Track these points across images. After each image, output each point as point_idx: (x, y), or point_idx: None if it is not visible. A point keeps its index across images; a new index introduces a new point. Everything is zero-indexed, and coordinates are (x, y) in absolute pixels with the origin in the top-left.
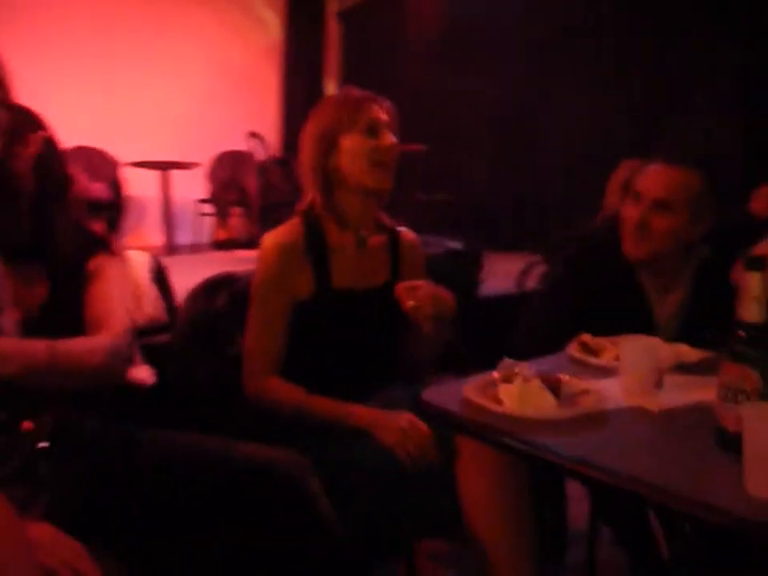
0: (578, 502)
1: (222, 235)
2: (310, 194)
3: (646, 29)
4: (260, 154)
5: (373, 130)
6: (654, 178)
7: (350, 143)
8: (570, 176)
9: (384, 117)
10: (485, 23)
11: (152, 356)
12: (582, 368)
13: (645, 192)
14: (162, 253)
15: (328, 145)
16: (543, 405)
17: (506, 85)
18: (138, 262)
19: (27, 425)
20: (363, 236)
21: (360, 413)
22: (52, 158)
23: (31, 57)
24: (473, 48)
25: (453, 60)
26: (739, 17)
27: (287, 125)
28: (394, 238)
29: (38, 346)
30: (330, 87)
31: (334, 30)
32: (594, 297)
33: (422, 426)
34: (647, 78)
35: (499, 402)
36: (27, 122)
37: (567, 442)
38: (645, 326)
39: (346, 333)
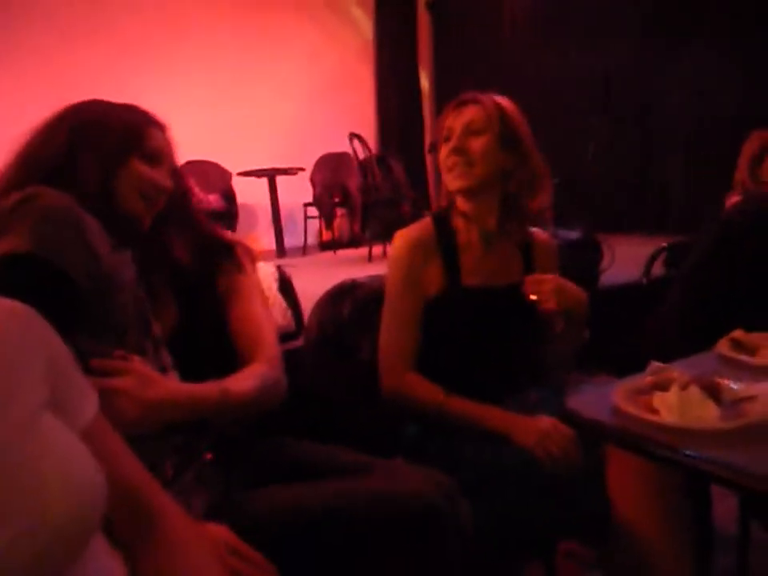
0: (722, 498)
1: (328, 236)
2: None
3: None
4: (360, 154)
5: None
6: None
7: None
8: (688, 151)
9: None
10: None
11: (284, 363)
12: (737, 369)
13: None
14: (273, 257)
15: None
16: (705, 415)
17: (612, 61)
18: (266, 272)
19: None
20: (492, 235)
21: (499, 415)
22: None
23: (146, 76)
24: (573, 24)
25: (552, 38)
26: None
27: (383, 123)
28: (527, 238)
29: (211, 391)
30: (425, 82)
31: (423, 23)
32: (755, 281)
33: (565, 428)
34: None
35: (654, 411)
36: None
37: (735, 455)
38: None
39: (474, 331)
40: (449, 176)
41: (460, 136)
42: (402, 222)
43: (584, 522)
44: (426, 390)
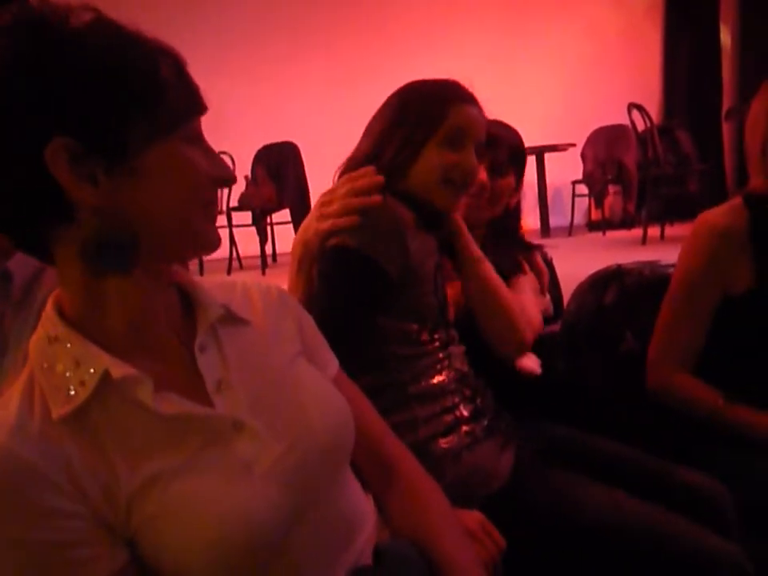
0: None
1: (598, 216)
2: (756, 178)
3: None
4: (640, 126)
5: None
6: None
7: None
8: None
9: None
10: None
11: (540, 347)
12: None
13: None
14: (538, 236)
15: None
16: None
17: None
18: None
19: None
20: None
21: None
22: None
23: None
24: None
25: None
26: None
27: (669, 89)
28: None
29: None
30: (726, 38)
31: None
32: None
33: None
34: None
35: None
36: None
37: None
38: None
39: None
40: None
41: None
42: (688, 201)
43: None
44: (702, 392)
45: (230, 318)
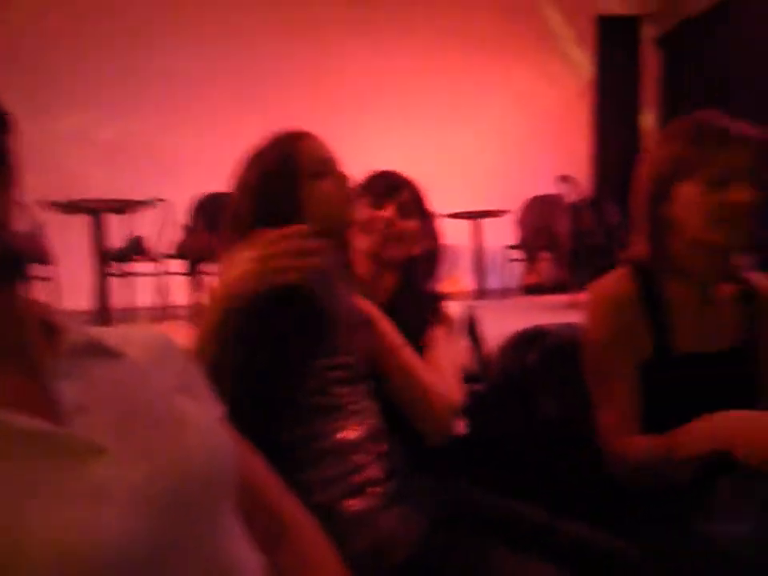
0: None
1: (531, 280)
2: (640, 242)
3: None
4: (570, 197)
5: (723, 180)
6: None
7: (687, 193)
8: None
9: (745, 161)
10: None
11: (464, 406)
12: None
13: None
14: (473, 297)
15: (662, 189)
16: None
17: None
18: (453, 312)
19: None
20: (708, 291)
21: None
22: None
23: (355, 121)
24: None
25: None
26: None
27: (598, 165)
28: (747, 289)
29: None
30: (649, 120)
31: (651, 59)
32: None
33: None
34: None
35: None
36: None
37: None
38: None
39: (689, 405)
40: (722, 229)
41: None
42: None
43: None
44: (652, 442)
45: (99, 349)
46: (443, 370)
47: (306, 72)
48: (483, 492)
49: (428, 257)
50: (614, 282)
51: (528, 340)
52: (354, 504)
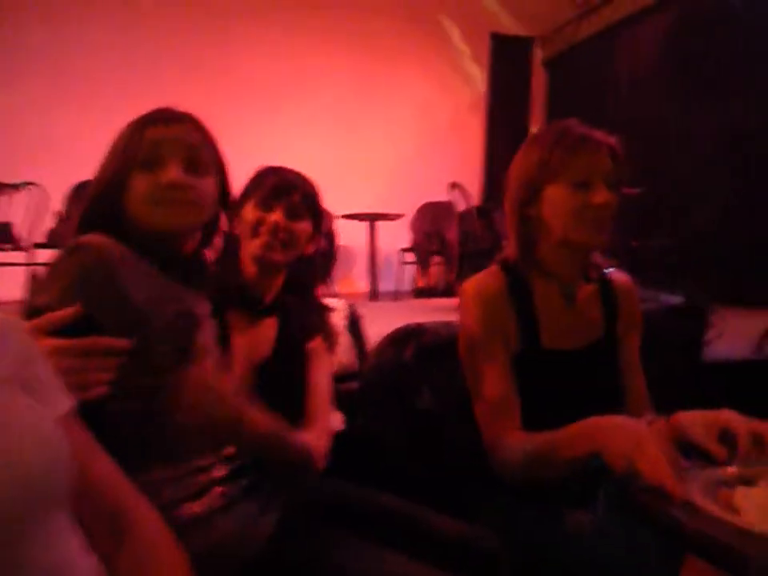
0: None
1: (423, 283)
2: (509, 247)
3: None
4: (461, 205)
5: (585, 182)
6: None
7: (555, 194)
8: None
9: (603, 165)
10: (700, 56)
11: (343, 403)
12: None
13: None
14: (366, 299)
15: (531, 192)
16: None
17: (742, 118)
18: (336, 309)
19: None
20: (571, 289)
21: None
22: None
23: (259, 115)
24: (689, 83)
25: (669, 97)
26: None
27: (489, 174)
28: (606, 285)
29: (232, 410)
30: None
31: (539, 79)
32: None
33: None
34: None
35: (735, 509)
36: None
37: None
38: None
39: (555, 397)
40: (586, 229)
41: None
42: None
43: None
44: (528, 437)
45: None
46: (319, 397)
47: (206, 62)
48: (350, 486)
49: (319, 258)
50: (485, 278)
51: (405, 337)
52: (197, 505)
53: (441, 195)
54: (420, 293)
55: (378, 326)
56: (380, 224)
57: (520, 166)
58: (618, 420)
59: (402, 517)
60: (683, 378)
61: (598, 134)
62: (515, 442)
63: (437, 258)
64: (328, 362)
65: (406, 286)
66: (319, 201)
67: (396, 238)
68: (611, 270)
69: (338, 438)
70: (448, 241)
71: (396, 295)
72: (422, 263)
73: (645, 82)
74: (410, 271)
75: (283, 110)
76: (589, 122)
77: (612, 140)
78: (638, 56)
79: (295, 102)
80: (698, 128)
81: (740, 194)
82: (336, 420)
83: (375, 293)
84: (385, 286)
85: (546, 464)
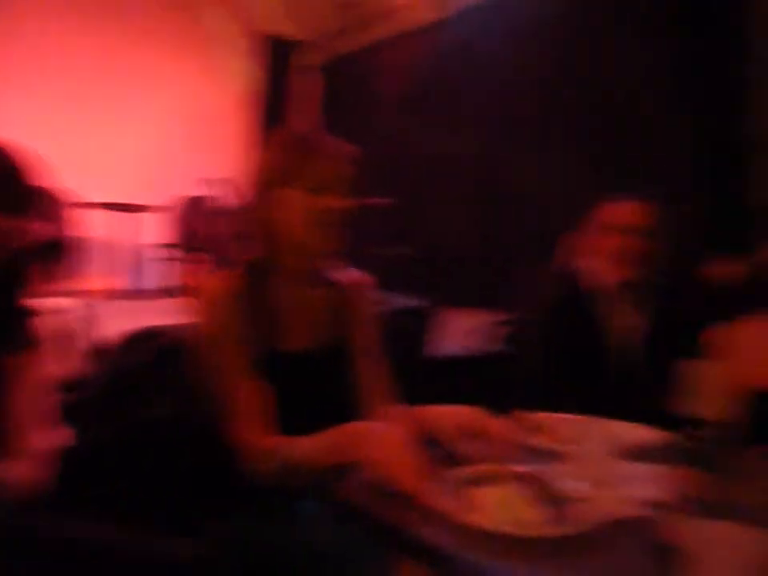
0: None
1: (171, 281)
2: (253, 245)
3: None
4: (213, 201)
5: (319, 187)
6: None
7: (289, 198)
8: (540, 238)
9: (339, 172)
10: (458, 82)
11: (73, 414)
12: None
13: None
14: (103, 297)
15: (267, 195)
16: (524, 517)
17: (477, 145)
18: (68, 310)
19: None
20: (308, 292)
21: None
22: None
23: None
24: (443, 105)
25: (423, 116)
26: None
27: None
28: (339, 288)
29: None
30: None
31: (317, 81)
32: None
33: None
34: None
35: (476, 508)
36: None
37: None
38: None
39: (299, 400)
40: (318, 233)
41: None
42: None
43: None
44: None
45: None
46: (18, 418)
47: None
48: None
49: (38, 251)
50: (223, 279)
51: (144, 338)
52: None
53: (196, 191)
54: (166, 291)
55: (119, 327)
56: (132, 218)
57: (259, 168)
58: (370, 426)
59: (120, 545)
60: (409, 373)
61: (336, 142)
62: (268, 449)
63: (191, 256)
64: (34, 375)
65: (152, 283)
66: (23, 181)
67: (143, 232)
68: (345, 272)
69: (67, 456)
70: (198, 238)
71: (138, 294)
72: (178, 260)
73: (403, 99)
74: (160, 267)
75: (25, 91)
76: (353, 131)
77: (350, 148)
78: (400, 74)
79: (42, 84)
80: (444, 148)
81: (473, 213)
82: (59, 436)
83: (124, 291)
84: (138, 283)
85: (304, 472)
